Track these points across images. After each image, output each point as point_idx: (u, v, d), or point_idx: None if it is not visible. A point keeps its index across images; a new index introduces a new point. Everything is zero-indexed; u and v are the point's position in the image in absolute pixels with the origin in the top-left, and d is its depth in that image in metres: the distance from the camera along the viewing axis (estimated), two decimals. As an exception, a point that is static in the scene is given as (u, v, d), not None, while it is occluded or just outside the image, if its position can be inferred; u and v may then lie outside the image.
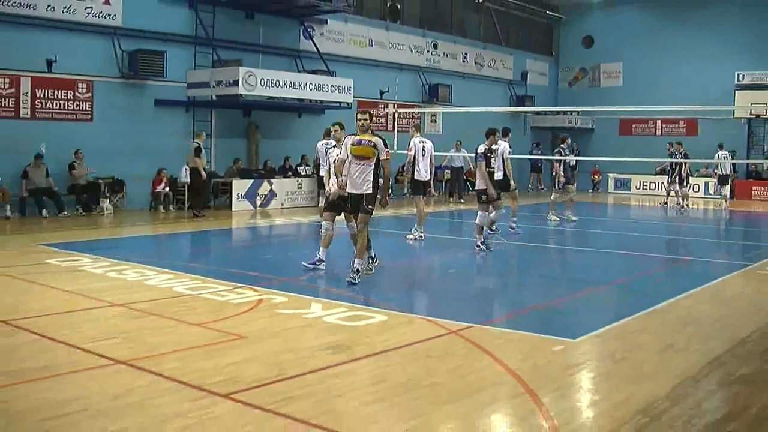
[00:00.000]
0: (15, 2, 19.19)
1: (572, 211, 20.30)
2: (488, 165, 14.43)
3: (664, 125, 37.50)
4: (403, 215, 21.87)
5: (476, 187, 14.78)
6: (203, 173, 20.65)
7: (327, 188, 12.49)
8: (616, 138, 37.62)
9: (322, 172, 14.08)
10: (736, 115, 32.86)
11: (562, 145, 20.47)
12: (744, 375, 6.84)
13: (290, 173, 25.15)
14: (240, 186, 22.90)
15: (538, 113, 38.78)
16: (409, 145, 16.34)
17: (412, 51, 32.15)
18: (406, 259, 14.43)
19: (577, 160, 21.28)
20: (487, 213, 14.85)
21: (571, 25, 41.16)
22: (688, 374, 6.74)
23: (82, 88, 20.94)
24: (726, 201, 27.66)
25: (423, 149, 16.03)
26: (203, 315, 8.72)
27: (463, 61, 35.06)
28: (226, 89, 22.08)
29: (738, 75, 33.14)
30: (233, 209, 22.36)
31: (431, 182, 16.55)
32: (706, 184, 31.88)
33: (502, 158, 16.22)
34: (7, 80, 19.48)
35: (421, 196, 16.23)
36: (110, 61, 21.55)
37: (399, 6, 31.96)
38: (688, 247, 17.92)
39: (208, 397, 5.85)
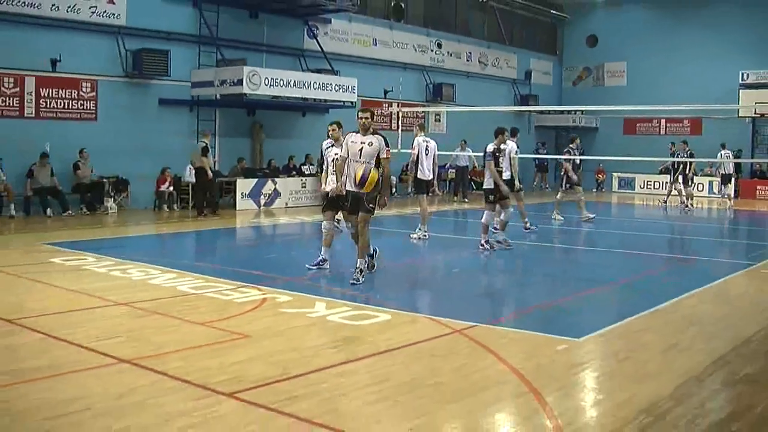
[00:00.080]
0: (19, 1, 19.21)
1: (586, 210, 20.21)
2: (497, 164, 14.43)
3: (668, 124, 37.48)
4: (406, 214, 21.86)
5: (484, 187, 14.77)
6: (209, 173, 20.67)
7: (322, 187, 12.51)
8: (620, 137, 37.57)
9: None
10: (740, 115, 32.80)
11: (571, 145, 20.40)
12: (748, 374, 6.84)
13: (294, 172, 25.14)
14: (244, 185, 22.91)
15: (542, 112, 38.75)
16: (412, 144, 16.33)
17: (416, 50, 32.14)
18: (410, 258, 14.44)
19: (581, 160, 21.19)
20: (493, 213, 14.84)
21: (575, 25, 41.12)
22: (692, 374, 6.73)
23: (86, 87, 20.96)
24: (730, 200, 27.62)
25: (426, 148, 16.02)
26: (207, 314, 8.72)
27: (467, 61, 35.05)
28: (230, 88, 22.09)
29: (742, 74, 33.08)
30: (237, 208, 22.37)
31: (434, 181, 16.52)
32: (711, 183, 31.83)
33: (509, 158, 16.18)
34: (12, 80, 19.50)
35: (425, 196, 16.21)
36: (114, 61, 21.57)
37: (403, 5, 31.95)
38: (692, 247, 17.89)
39: (212, 396, 5.85)
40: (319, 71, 25.37)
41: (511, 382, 6.47)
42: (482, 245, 14.38)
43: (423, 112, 30.51)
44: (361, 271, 10.76)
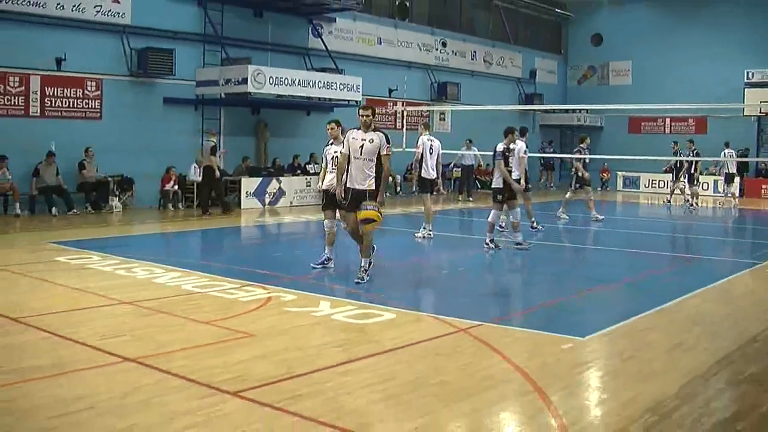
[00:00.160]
0: (24, 1, 19.23)
1: (596, 211, 20.17)
2: (506, 164, 14.42)
3: (673, 123, 37.44)
4: (411, 213, 21.86)
5: (492, 186, 14.77)
6: (217, 172, 20.72)
7: (319, 185, 12.50)
8: (625, 136, 37.57)
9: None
10: (745, 114, 32.73)
11: (581, 145, 20.33)
12: (753, 374, 6.83)
13: (299, 171, 25.15)
14: (249, 184, 22.93)
15: (546, 111, 38.76)
16: (417, 143, 16.34)
17: (420, 49, 32.14)
18: (414, 257, 14.44)
19: (590, 159, 21.15)
20: (500, 212, 14.83)
21: (579, 23, 41.09)
22: (696, 373, 6.72)
23: (91, 86, 20.98)
24: (735, 199, 27.59)
25: (431, 147, 16.01)
26: (212, 313, 8.73)
27: (472, 59, 35.04)
28: (234, 87, 22.11)
29: (747, 73, 33.00)
30: (242, 207, 22.38)
31: (438, 180, 16.51)
32: (715, 182, 31.76)
33: (518, 157, 16.13)
34: (17, 79, 19.53)
35: (428, 195, 16.20)
36: (119, 60, 21.59)
37: (408, 4, 31.97)
38: (697, 246, 17.88)
39: (216, 395, 5.86)
40: (323, 70, 25.37)
41: (516, 380, 6.47)
42: (487, 244, 14.39)
43: (427, 111, 30.51)
44: (366, 270, 10.74)
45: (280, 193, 23.61)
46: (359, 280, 10.62)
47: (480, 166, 29.89)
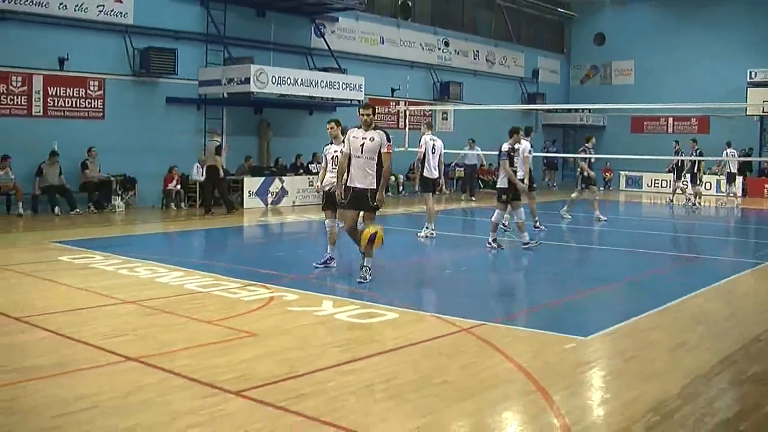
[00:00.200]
0: (27, 1, 19.25)
1: (600, 211, 20.16)
2: (511, 164, 14.40)
3: (675, 123, 37.43)
4: (414, 213, 21.86)
5: (497, 186, 14.75)
6: (222, 171, 20.76)
7: (316, 185, 12.49)
8: (628, 135, 37.56)
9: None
10: (748, 113, 32.68)
11: (587, 144, 20.29)
12: (756, 374, 6.82)
13: (302, 171, 25.17)
14: (251, 183, 22.93)
15: (549, 111, 38.74)
16: (420, 142, 16.35)
17: (423, 49, 32.14)
18: (417, 256, 14.44)
19: (595, 159, 21.11)
20: (504, 212, 14.82)
21: (582, 23, 41.10)
22: (699, 373, 6.72)
23: (93, 86, 21.01)
24: (738, 198, 27.56)
25: (433, 147, 16.02)
26: (215, 312, 8.73)
27: (475, 59, 35.04)
28: (237, 87, 22.13)
29: (750, 72, 32.97)
30: (244, 207, 22.39)
31: (440, 180, 16.52)
32: (718, 182, 31.72)
33: (522, 157, 16.11)
34: (20, 78, 19.56)
35: (430, 194, 16.21)
36: (122, 59, 21.62)
37: (410, 3, 31.97)
38: (700, 245, 17.86)
39: (219, 395, 5.86)
40: (326, 70, 25.39)
41: (518, 380, 6.47)
42: (489, 243, 14.40)
43: (430, 110, 30.52)
44: (369, 269, 10.72)
45: (283, 192, 23.61)
46: (362, 280, 10.60)
47: (483, 166, 29.86)
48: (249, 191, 22.76)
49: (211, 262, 12.81)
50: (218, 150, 20.65)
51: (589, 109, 37.56)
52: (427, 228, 16.05)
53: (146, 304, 9.12)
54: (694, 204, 25.34)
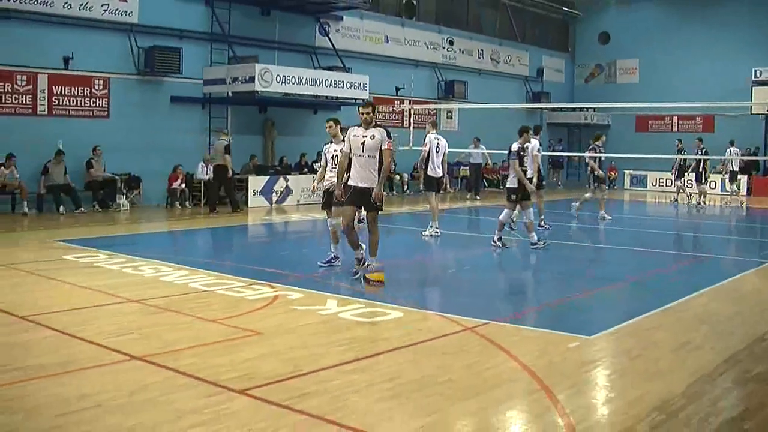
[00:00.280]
0: (32, 0, 19.27)
1: (605, 210, 20.11)
2: (521, 163, 14.36)
3: (680, 122, 37.39)
4: (418, 212, 21.86)
5: (507, 185, 14.72)
6: (231, 170, 20.79)
7: (314, 185, 12.46)
8: (632, 135, 37.51)
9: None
10: (753, 112, 32.60)
11: (597, 143, 20.22)
12: (760, 373, 6.81)
13: (306, 170, 25.15)
14: (256, 182, 22.95)
15: (553, 110, 38.70)
16: (424, 141, 16.35)
17: (427, 47, 32.14)
18: (421, 255, 14.45)
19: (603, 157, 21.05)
20: (512, 211, 14.78)
21: (587, 22, 41.07)
22: (703, 372, 6.71)
23: (98, 85, 21.04)
24: (740, 196, 27.49)
25: (437, 146, 16.03)
26: (219, 311, 8.74)
27: (479, 58, 35.03)
28: (242, 86, 22.14)
29: (755, 71, 32.87)
30: (249, 206, 22.40)
31: (444, 179, 16.51)
32: (723, 181, 31.67)
33: (531, 156, 16.07)
34: (25, 77, 19.59)
35: (434, 193, 16.22)
36: (126, 58, 21.65)
37: (415, 2, 31.96)
38: (704, 244, 17.84)
39: (223, 393, 5.87)
40: (330, 68, 25.40)
41: (523, 379, 6.46)
42: (494, 242, 14.37)
43: (435, 109, 30.52)
44: (373, 268, 10.70)
45: (287, 191, 23.62)
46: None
47: (488, 165, 29.83)
48: (253, 190, 22.76)
49: (215, 261, 12.81)
50: (227, 149, 20.64)
51: (594, 108, 37.52)
52: (431, 227, 16.04)
53: (150, 302, 9.13)
54: (699, 203, 25.29)
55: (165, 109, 22.59)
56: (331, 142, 12.08)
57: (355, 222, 11.25)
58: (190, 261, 12.27)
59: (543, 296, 10.96)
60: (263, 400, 5.74)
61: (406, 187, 29.28)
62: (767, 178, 33.11)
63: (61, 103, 20.30)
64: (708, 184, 27.24)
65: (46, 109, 20.02)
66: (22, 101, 19.55)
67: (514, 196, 14.32)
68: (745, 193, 30.01)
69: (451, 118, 32.99)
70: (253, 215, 20.89)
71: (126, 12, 21.26)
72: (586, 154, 20.84)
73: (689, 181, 26.80)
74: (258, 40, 24.65)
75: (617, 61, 39.80)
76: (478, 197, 27.26)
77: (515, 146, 14.35)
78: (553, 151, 34.96)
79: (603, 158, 20.47)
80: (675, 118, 37.52)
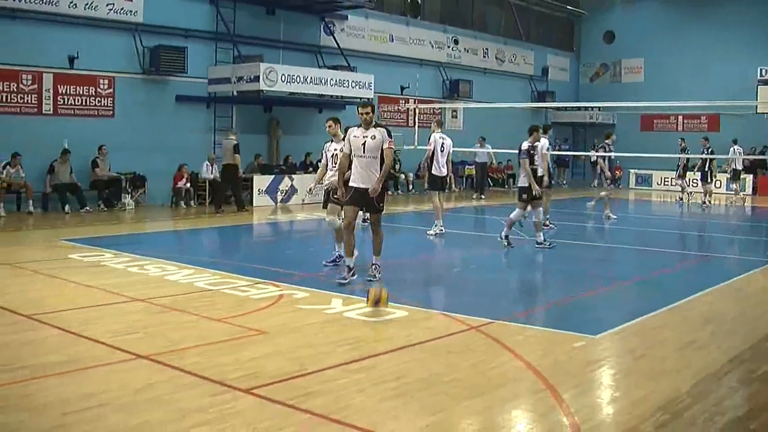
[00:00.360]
0: (38, -1, 19.33)
1: (611, 210, 20.09)
2: (531, 162, 14.32)
3: (685, 121, 37.34)
4: (423, 211, 21.85)
5: (518, 185, 14.67)
6: (240, 170, 20.81)
7: (312, 185, 12.46)
8: (637, 134, 37.45)
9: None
10: (758, 111, 32.51)
11: (606, 141, 20.19)
12: (766, 372, 6.79)
13: (311, 169, 25.14)
14: (261, 181, 22.96)
15: (558, 109, 38.65)
16: (429, 140, 16.36)
17: (432, 47, 32.13)
18: (426, 254, 14.44)
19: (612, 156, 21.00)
20: (523, 211, 14.73)
21: (592, 21, 41.03)
22: (709, 371, 6.70)
23: (103, 84, 21.06)
24: (740, 194, 27.42)
25: (442, 145, 16.02)
26: (224, 310, 8.75)
27: (484, 57, 35.01)
28: (246, 85, 22.17)
29: (761, 70, 32.78)
30: (254, 205, 22.41)
31: (448, 178, 16.50)
32: (728, 180, 31.60)
33: (541, 154, 16.03)
34: (30, 77, 19.62)
35: (437, 192, 16.21)
36: (132, 58, 21.67)
37: (420, 1, 31.96)
38: (709, 244, 17.82)
39: (228, 392, 5.87)
40: (335, 68, 25.41)
41: (528, 378, 6.46)
42: (501, 238, 14.31)
43: (440, 108, 30.51)
44: (378, 267, 10.69)
45: (292, 190, 23.63)
46: (371, 278, 10.58)
47: (493, 164, 29.81)
48: (258, 189, 22.79)
49: (220, 260, 12.80)
50: (236, 148, 20.64)
51: (599, 108, 37.48)
52: (435, 226, 16.04)
53: (156, 301, 9.14)
54: (704, 202, 25.25)
55: (170, 108, 22.61)
56: (332, 141, 12.08)
57: (360, 222, 11.22)
58: (195, 260, 12.28)
59: (548, 295, 10.96)
60: (268, 399, 5.75)
61: (410, 187, 29.29)
62: (772, 178, 33.05)
63: (66, 102, 20.33)
64: (714, 183, 27.19)
65: (52, 109, 20.04)
66: (27, 101, 19.58)
67: (525, 196, 14.25)
68: (750, 192, 29.91)
69: (456, 117, 32.99)
70: (258, 214, 20.90)
71: (131, 11, 21.28)
72: (598, 154, 20.76)
73: (694, 180, 26.74)
74: (263, 40, 24.66)
75: (622, 60, 39.76)
76: (483, 196, 27.26)
77: (525, 145, 14.32)
78: (559, 150, 34.89)
79: (613, 157, 20.40)
80: (680, 118, 37.48)
